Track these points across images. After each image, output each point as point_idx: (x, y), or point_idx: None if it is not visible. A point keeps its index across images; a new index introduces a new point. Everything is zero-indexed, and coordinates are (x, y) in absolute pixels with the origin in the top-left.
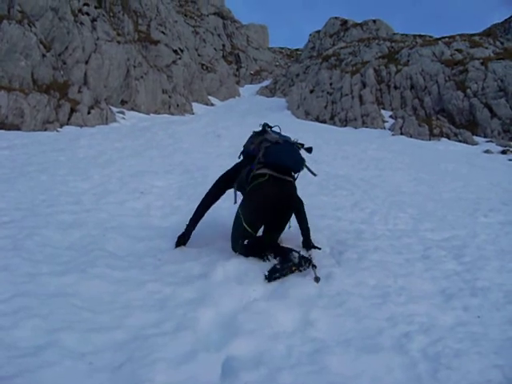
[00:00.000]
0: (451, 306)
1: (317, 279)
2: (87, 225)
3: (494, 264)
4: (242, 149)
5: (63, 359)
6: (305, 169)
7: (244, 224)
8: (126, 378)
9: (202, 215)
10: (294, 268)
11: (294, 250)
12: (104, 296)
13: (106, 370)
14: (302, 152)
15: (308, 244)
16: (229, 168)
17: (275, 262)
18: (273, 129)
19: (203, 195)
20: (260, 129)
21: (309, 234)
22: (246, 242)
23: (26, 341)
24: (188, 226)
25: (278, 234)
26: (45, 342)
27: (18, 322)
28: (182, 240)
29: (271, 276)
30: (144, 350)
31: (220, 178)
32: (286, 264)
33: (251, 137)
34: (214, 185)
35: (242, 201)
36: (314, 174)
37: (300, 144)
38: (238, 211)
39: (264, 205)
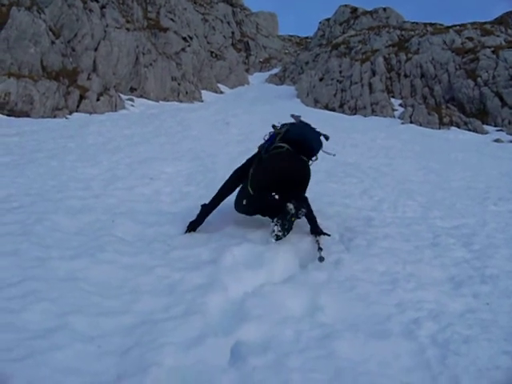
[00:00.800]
0: (460, 293)
1: (321, 259)
2: (96, 210)
3: (503, 252)
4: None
5: (73, 342)
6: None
7: (248, 187)
8: (134, 362)
9: (216, 206)
10: (292, 218)
11: (289, 202)
12: (113, 281)
13: (115, 353)
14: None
15: (316, 230)
16: (244, 162)
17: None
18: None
19: (213, 181)
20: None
21: (315, 220)
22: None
23: (35, 324)
24: (201, 213)
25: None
26: (54, 325)
27: (27, 306)
28: (193, 226)
29: (277, 236)
30: (152, 334)
31: (235, 171)
32: (285, 218)
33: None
34: (230, 178)
35: (254, 166)
36: (333, 154)
37: (318, 132)
38: (246, 181)
39: (274, 173)
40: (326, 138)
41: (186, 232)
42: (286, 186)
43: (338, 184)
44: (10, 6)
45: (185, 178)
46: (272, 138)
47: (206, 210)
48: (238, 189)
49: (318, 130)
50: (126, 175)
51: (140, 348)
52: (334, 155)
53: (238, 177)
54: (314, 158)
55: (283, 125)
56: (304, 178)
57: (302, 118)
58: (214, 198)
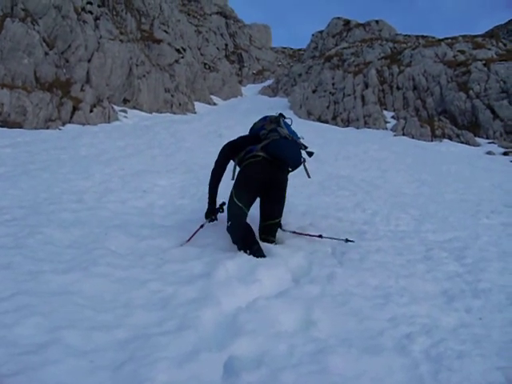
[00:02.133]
0: (453, 307)
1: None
2: (89, 223)
3: (495, 266)
4: (252, 125)
5: (65, 357)
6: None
7: (235, 200)
8: (128, 377)
9: (217, 189)
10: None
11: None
12: (106, 295)
13: (108, 368)
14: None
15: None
16: (235, 138)
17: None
18: (286, 120)
19: (206, 194)
20: (275, 115)
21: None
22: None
23: (28, 338)
24: (210, 203)
25: (276, 217)
26: (47, 340)
27: (19, 320)
28: (212, 215)
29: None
30: (146, 349)
31: (226, 146)
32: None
33: (264, 119)
34: (221, 153)
35: (236, 178)
36: (309, 176)
37: (304, 146)
38: (231, 190)
39: (253, 181)
40: (310, 154)
41: (210, 222)
42: (265, 190)
43: (330, 197)
44: (4, 18)
45: (178, 190)
46: (254, 149)
47: (212, 197)
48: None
49: (303, 142)
50: (119, 188)
51: (133, 363)
52: (309, 177)
53: (230, 150)
54: (290, 169)
55: (274, 120)
56: (279, 184)
57: (288, 121)
58: (211, 182)
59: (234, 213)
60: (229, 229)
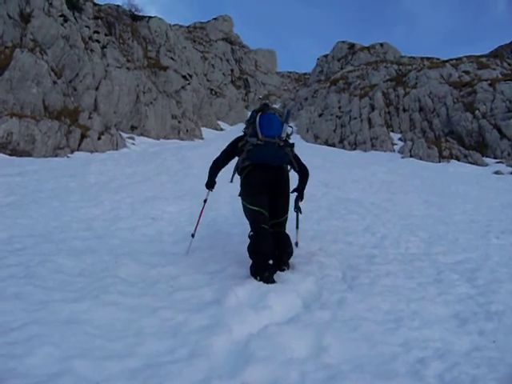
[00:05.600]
0: (466, 330)
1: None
2: (99, 251)
3: (508, 287)
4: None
5: None
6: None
7: (248, 206)
8: None
9: (216, 175)
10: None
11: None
12: (116, 323)
13: None
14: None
15: (298, 195)
16: (219, 155)
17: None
18: (267, 112)
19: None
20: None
21: (302, 190)
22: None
23: (39, 369)
24: (210, 177)
25: (281, 216)
26: (58, 370)
27: (30, 350)
28: (211, 186)
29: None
30: (157, 377)
31: (222, 154)
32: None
33: (249, 118)
34: (220, 157)
35: (240, 190)
36: (295, 169)
37: (282, 141)
38: (242, 203)
39: (256, 187)
40: (291, 145)
41: (208, 192)
42: (269, 191)
43: (340, 221)
44: (14, 48)
45: (187, 217)
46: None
47: (213, 174)
48: None
49: (287, 139)
50: (129, 215)
51: None
52: (296, 170)
53: (226, 156)
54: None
55: (252, 120)
56: (279, 183)
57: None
58: (212, 168)
59: (252, 218)
60: (251, 237)
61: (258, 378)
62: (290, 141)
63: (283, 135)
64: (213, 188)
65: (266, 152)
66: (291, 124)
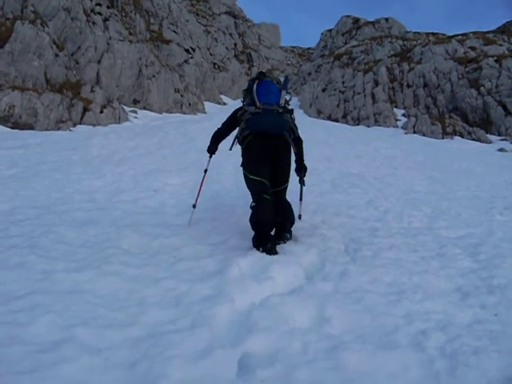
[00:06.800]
0: (468, 303)
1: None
2: (101, 222)
3: (510, 261)
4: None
5: (80, 355)
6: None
7: (249, 176)
8: (143, 374)
9: (218, 144)
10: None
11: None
12: (119, 293)
13: (122, 366)
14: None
15: (299, 167)
16: (227, 117)
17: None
18: (264, 80)
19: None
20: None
21: (301, 159)
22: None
23: (42, 336)
24: (211, 143)
25: (282, 185)
26: (61, 338)
27: (34, 319)
28: (212, 151)
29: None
30: (160, 346)
31: (222, 125)
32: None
33: (247, 87)
34: (221, 128)
35: (242, 160)
36: (295, 134)
37: (281, 108)
38: (243, 173)
39: (257, 156)
40: (290, 111)
41: (210, 156)
42: (270, 160)
43: (342, 195)
44: (14, 20)
45: (190, 189)
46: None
47: (215, 142)
48: None
49: (286, 106)
50: (131, 187)
51: (148, 360)
52: (296, 134)
53: (227, 128)
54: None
55: (249, 89)
56: (279, 151)
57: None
58: (214, 137)
59: (254, 189)
60: (253, 208)
61: (261, 348)
62: (289, 107)
63: (282, 102)
64: (214, 153)
65: (264, 120)
66: (292, 96)
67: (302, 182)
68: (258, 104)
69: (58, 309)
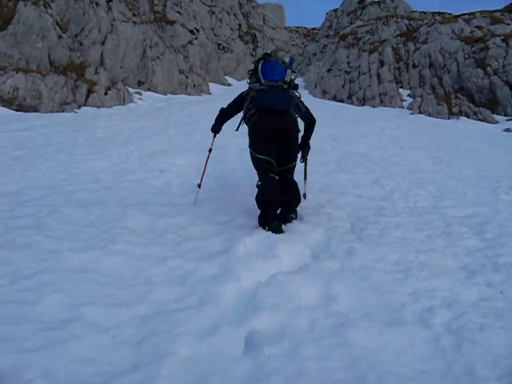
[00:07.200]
0: (474, 281)
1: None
2: (107, 202)
3: None
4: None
5: (87, 333)
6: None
7: (255, 155)
8: (150, 351)
9: (222, 125)
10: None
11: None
12: (125, 272)
13: (130, 343)
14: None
15: (302, 145)
16: (232, 101)
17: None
18: (270, 60)
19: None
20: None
21: (307, 139)
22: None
23: (50, 315)
24: (215, 123)
25: (289, 164)
26: (68, 317)
27: (42, 297)
28: (215, 131)
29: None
30: (166, 324)
31: (228, 105)
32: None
33: (253, 67)
34: (227, 107)
35: (249, 139)
36: (302, 112)
37: (286, 84)
38: (249, 152)
39: (263, 135)
40: (296, 87)
41: (214, 136)
42: (276, 139)
43: (348, 174)
44: (17, 1)
45: (195, 169)
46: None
47: (219, 123)
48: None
49: (291, 82)
50: (136, 168)
51: (155, 338)
52: (303, 112)
53: (231, 110)
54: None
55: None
56: (286, 130)
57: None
58: (218, 118)
59: (260, 167)
60: (259, 187)
61: (267, 325)
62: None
63: (287, 79)
64: (218, 133)
65: (269, 96)
66: (297, 75)
67: (302, 161)
68: (263, 81)
69: (65, 288)
